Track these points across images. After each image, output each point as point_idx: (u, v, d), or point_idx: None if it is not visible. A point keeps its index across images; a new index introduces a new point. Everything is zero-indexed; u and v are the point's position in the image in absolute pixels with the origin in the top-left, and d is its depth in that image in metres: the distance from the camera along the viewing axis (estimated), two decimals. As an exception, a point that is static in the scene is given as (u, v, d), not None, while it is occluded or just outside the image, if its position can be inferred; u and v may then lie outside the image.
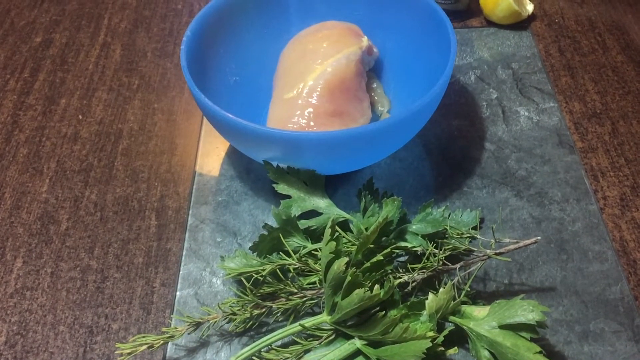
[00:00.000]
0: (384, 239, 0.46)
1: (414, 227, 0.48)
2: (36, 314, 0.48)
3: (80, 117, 0.63)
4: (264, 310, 0.44)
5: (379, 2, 0.60)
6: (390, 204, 0.47)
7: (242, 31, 0.59)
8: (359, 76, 0.56)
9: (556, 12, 0.73)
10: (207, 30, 0.54)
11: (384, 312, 0.41)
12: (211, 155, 0.59)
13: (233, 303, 0.45)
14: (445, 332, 0.42)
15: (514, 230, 0.52)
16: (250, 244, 0.47)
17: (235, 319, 0.44)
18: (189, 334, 0.45)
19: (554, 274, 0.49)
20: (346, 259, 0.39)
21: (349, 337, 0.42)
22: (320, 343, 0.42)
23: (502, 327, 0.41)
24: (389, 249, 0.45)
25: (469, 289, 0.45)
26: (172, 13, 0.75)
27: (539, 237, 0.45)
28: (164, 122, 0.62)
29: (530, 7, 0.72)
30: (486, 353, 0.41)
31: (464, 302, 0.44)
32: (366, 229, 0.47)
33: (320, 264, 0.44)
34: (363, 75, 0.57)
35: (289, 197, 0.49)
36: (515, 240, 0.45)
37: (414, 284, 0.45)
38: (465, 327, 0.42)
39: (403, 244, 0.47)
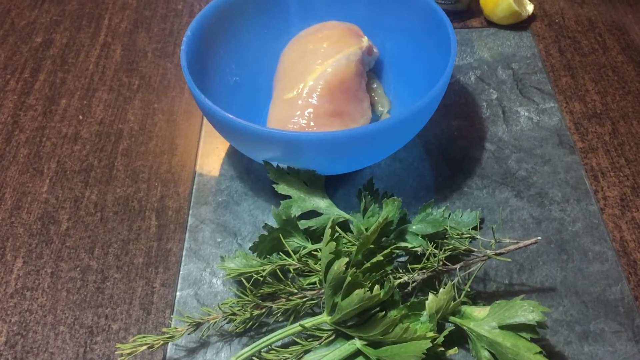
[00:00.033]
0: (384, 239, 0.46)
1: (414, 227, 0.48)
2: (36, 314, 0.48)
3: (80, 117, 0.63)
4: (264, 310, 0.44)
5: (379, 2, 0.60)
6: (391, 205, 0.47)
7: (242, 31, 0.59)
8: (359, 76, 0.56)
9: (556, 12, 0.73)
10: (207, 31, 0.54)
11: (384, 312, 0.41)
12: (211, 155, 0.59)
13: (233, 303, 0.45)
14: (445, 332, 0.42)
15: (514, 230, 0.52)
16: (250, 245, 0.47)
17: (235, 320, 0.44)
18: (189, 334, 0.45)
19: (554, 274, 0.49)
20: (346, 259, 0.39)
21: (349, 338, 0.42)
22: (320, 343, 0.42)
23: (502, 327, 0.41)
24: (389, 249, 0.45)
25: (469, 290, 0.45)
26: (173, 13, 0.75)
27: (539, 238, 0.45)
28: (164, 123, 0.62)
29: (530, 8, 0.71)
30: (486, 353, 0.41)
31: (464, 303, 0.44)
32: (366, 230, 0.47)
33: (320, 264, 0.44)
34: (363, 76, 0.57)
35: (289, 197, 0.49)
36: (515, 241, 0.45)
37: (414, 285, 0.45)
38: (465, 328, 0.42)
39: (403, 244, 0.47)
